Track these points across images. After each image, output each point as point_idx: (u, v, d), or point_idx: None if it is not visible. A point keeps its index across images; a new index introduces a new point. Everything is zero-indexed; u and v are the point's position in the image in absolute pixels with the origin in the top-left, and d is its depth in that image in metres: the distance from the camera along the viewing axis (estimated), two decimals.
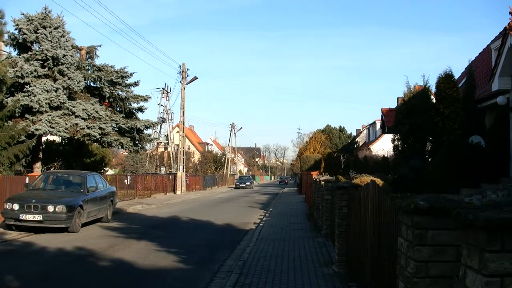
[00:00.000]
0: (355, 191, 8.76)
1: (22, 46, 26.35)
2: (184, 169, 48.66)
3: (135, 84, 31.05)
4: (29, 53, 25.72)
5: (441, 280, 3.63)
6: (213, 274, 10.57)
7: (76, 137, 26.42)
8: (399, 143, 18.60)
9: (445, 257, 3.62)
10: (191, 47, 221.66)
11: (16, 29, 25.83)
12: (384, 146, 34.56)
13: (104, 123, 26.97)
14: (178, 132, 56.30)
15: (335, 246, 10.67)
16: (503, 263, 2.44)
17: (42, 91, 24.85)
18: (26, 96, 24.67)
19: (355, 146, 53.87)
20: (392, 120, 22.29)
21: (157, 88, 66.97)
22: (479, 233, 2.52)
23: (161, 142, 68.48)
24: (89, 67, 29.47)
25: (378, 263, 6.31)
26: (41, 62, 25.68)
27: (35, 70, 25.15)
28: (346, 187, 9.92)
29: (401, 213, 4.10)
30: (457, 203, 3.38)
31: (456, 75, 18.30)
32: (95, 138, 26.92)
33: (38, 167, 26.34)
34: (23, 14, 25.94)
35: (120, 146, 30.26)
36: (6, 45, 26.62)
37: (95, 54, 31.56)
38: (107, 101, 30.07)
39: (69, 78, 26.04)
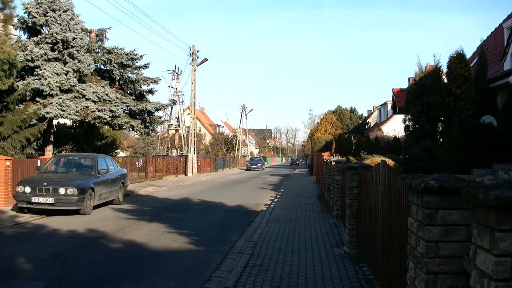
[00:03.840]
0: (366, 171, 8.73)
1: (31, 30, 26.29)
2: (195, 151, 48.75)
3: (145, 66, 30.97)
4: (39, 36, 25.65)
5: (452, 260, 3.60)
6: (224, 255, 10.62)
7: (87, 120, 26.44)
8: (411, 123, 18.53)
9: (456, 237, 3.59)
10: (202, 29, 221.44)
11: (25, 12, 25.74)
12: (395, 127, 34.52)
13: (115, 106, 26.96)
14: (189, 114, 56.32)
15: (346, 227, 10.66)
16: None
17: (52, 74, 24.86)
18: (36, 79, 24.68)
19: (366, 127, 53.80)
20: (403, 101, 22.18)
21: (168, 70, 66.80)
22: (489, 212, 2.49)
23: (172, 124, 68.56)
24: (99, 50, 29.45)
25: (388, 243, 6.30)
26: (51, 45, 25.62)
27: (45, 54, 25.12)
28: (357, 168, 9.88)
29: (411, 193, 4.07)
30: (467, 183, 3.34)
31: (468, 55, 18.10)
32: (105, 121, 26.94)
33: (49, 150, 26.45)
34: None
35: (131, 129, 30.28)
36: (16, 29, 26.54)
37: (105, 36, 31.46)
38: (117, 83, 30.04)
39: (79, 61, 26.01)
